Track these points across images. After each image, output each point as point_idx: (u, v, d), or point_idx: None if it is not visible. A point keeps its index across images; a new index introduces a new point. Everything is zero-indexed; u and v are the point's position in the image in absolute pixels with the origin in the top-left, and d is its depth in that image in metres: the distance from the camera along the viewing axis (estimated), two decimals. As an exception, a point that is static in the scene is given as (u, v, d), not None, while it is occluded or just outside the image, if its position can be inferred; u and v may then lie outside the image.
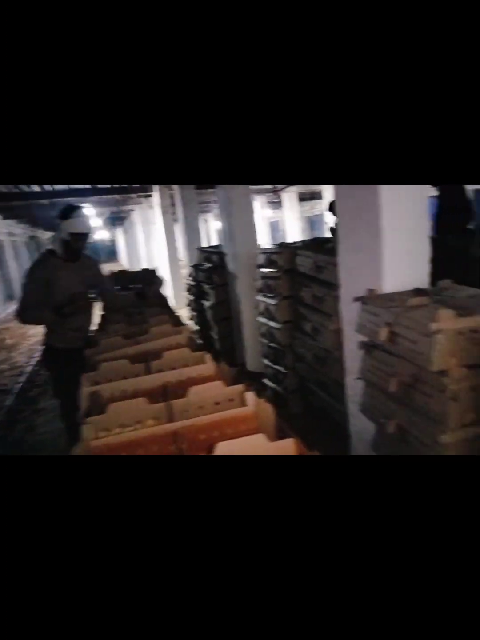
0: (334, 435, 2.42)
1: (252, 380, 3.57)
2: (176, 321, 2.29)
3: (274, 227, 16.72)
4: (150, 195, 7.89)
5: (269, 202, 13.70)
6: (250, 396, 1.16)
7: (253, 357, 3.71)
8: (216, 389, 1.29)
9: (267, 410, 1.10)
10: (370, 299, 1.63)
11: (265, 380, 3.27)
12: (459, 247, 3.38)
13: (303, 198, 12.58)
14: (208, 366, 1.49)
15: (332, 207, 5.24)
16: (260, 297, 3.07)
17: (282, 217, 12.91)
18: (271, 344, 3.05)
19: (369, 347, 1.64)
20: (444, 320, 1.20)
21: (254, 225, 3.72)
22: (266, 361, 3.21)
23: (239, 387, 1.26)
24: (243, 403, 1.21)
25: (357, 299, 1.69)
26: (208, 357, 1.57)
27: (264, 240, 12.46)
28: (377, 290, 1.69)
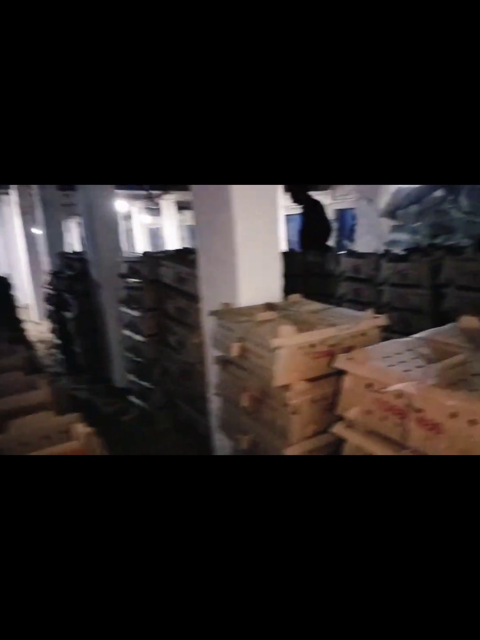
0: (200, 450, 2.37)
1: (118, 397, 3.34)
2: (17, 337, 1.99)
3: (155, 234, 16.40)
4: (7, 193, 7.01)
5: (148, 209, 13.38)
6: (79, 428, 1.01)
7: (120, 373, 3.48)
8: (43, 420, 1.11)
9: (95, 443, 0.96)
10: (224, 313, 1.61)
11: (132, 397, 3.08)
12: (318, 262, 3.66)
13: (183, 206, 12.56)
14: (40, 393, 1.29)
15: None
16: (124, 309, 2.89)
17: (161, 225, 12.71)
18: (137, 359, 2.88)
19: (224, 362, 1.61)
20: (285, 336, 1.21)
21: (117, 230, 3.51)
22: (132, 376, 3.03)
23: (70, 417, 1.10)
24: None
25: (212, 313, 1.66)
26: (42, 382, 1.36)
27: (143, 247, 12.12)
28: (231, 303, 1.68)
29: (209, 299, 1.91)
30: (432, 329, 1.23)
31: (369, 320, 1.35)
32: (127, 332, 2.90)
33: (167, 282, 2.39)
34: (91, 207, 3.32)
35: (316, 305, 1.57)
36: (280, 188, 1.77)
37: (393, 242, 4.53)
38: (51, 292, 4.17)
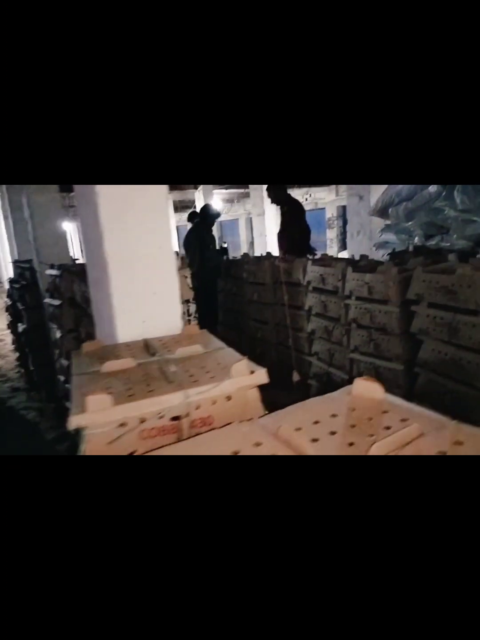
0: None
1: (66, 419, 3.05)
2: None
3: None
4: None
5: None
6: None
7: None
8: None
9: None
10: (85, 356, 1.24)
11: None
12: (286, 269, 3.25)
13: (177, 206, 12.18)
14: None
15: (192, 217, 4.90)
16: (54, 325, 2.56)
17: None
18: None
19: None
20: (94, 410, 0.83)
21: (64, 235, 3.19)
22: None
23: None
24: None
25: (72, 356, 1.29)
26: None
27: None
28: (101, 341, 1.31)
29: (98, 329, 1.55)
30: (313, 399, 0.83)
31: (239, 379, 0.95)
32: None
33: (80, 301, 2.04)
34: (32, 207, 3.00)
35: (198, 348, 1.17)
36: (166, 188, 1.38)
37: (384, 244, 4.05)
38: (8, 301, 3.91)
